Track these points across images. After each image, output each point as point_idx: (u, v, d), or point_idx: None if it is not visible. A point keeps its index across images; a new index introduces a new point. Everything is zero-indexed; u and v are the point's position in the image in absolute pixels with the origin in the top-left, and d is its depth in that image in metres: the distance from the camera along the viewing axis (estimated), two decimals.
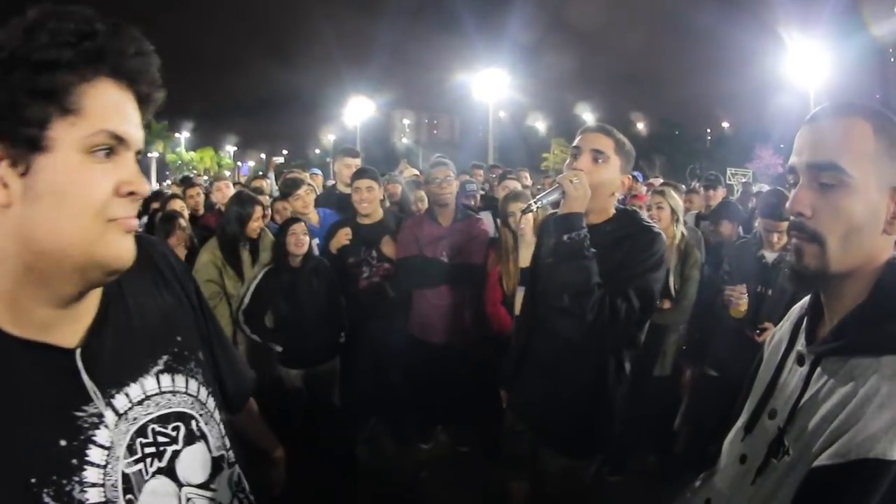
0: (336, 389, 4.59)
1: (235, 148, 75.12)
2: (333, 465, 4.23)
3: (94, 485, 0.98)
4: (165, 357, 1.17)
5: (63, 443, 0.96)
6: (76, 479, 0.97)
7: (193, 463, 1.16)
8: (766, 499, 1.28)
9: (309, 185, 5.64)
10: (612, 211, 2.67)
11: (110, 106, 0.93)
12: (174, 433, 1.13)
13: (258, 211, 4.67)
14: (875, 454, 1.06)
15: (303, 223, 4.39)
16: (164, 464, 1.11)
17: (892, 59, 56.51)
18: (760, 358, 1.58)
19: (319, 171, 10.13)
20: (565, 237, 2.43)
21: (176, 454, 1.13)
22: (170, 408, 1.14)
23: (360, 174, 4.82)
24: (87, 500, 0.97)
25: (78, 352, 1.02)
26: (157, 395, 1.12)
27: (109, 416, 1.03)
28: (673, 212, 4.51)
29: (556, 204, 2.57)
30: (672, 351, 4.47)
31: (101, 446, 1.01)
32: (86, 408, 1.00)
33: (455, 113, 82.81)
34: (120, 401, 1.06)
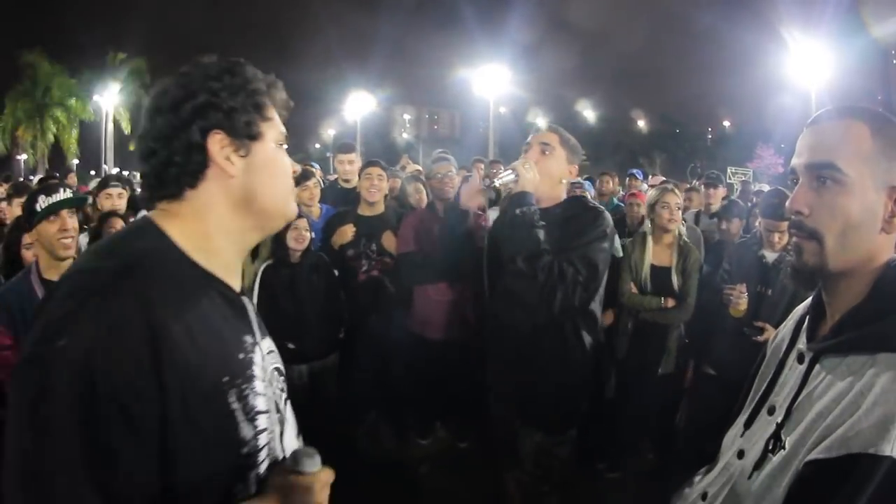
0: (334, 384, 4.59)
1: None
2: (332, 459, 4.22)
3: (260, 395, 1.27)
4: (266, 329, 1.48)
5: (241, 356, 1.27)
6: (251, 386, 1.25)
7: (291, 416, 1.47)
8: (763, 493, 1.30)
9: (317, 179, 5.64)
10: (563, 197, 3.13)
11: (278, 120, 1.39)
12: (284, 385, 1.45)
13: None
14: (866, 449, 1.08)
15: (305, 219, 4.39)
16: (283, 407, 1.42)
17: (894, 61, 56.43)
18: (763, 356, 1.61)
19: (317, 165, 10.15)
20: (517, 211, 2.84)
21: (286, 402, 1.45)
22: (279, 365, 1.45)
23: (371, 163, 4.87)
24: (257, 406, 1.26)
25: (244, 298, 1.39)
26: (273, 352, 1.44)
27: (259, 352, 1.34)
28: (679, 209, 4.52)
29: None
30: (675, 348, 4.47)
31: (260, 367, 1.31)
32: (247, 337, 1.32)
33: (456, 108, 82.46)
34: (264, 345, 1.38)
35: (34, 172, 33.15)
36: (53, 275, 2.91)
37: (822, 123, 1.33)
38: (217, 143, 1.27)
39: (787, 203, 1.35)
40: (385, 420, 5.16)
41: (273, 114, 1.37)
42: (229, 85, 1.29)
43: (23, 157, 39.91)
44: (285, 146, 1.41)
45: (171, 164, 1.26)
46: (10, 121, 36.48)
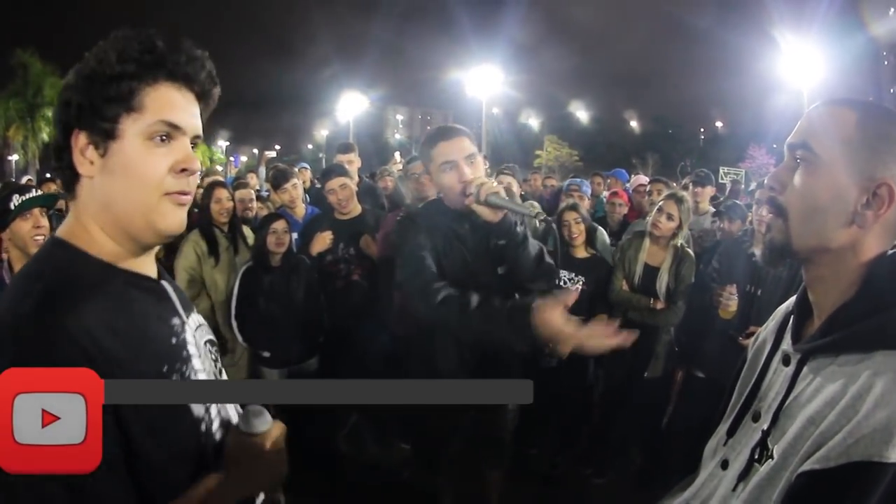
0: None
1: (227, 143, 74.78)
2: (313, 463, 4.15)
3: (200, 371, 1.31)
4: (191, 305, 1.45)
5: (174, 341, 1.27)
6: (189, 366, 1.27)
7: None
8: None
9: (296, 181, 5.58)
10: None
11: (167, 102, 1.20)
12: (216, 354, 1.47)
13: (219, 193, 4.68)
14: (870, 456, 0.99)
15: (284, 221, 4.33)
16: (220, 377, 1.46)
17: (886, 62, 56.69)
18: (744, 360, 1.53)
19: (308, 166, 10.10)
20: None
21: (221, 371, 1.48)
22: (209, 336, 1.46)
23: (327, 174, 4.79)
24: None
25: (163, 281, 1.35)
26: (201, 326, 1.43)
27: (189, 330, 1.34)
28: (680, 224, 4.34)
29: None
30: (664, 353, 4.39)
31: (193, 345, 1.33)
32: (175, 320, 1.31)
33: (449, 109, 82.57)
34: (191, 321, 1.38)
35: (25, 173, 33.01)
36: None
37: (815, 109, 1.29)
38: (78, 142, 1.19)
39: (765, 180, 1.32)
40: (366, 423, 5.07)
41: (150, 100, 1.18)
42: (90, 73, 1.18)
43: (14, 157, 39.72)
44: (184, 135, 1.23)
45: (54, 157, 1.25)
46: (1, 121, 36.30)
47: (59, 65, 37.23)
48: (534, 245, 2.81)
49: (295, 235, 4.74)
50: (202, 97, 1.28)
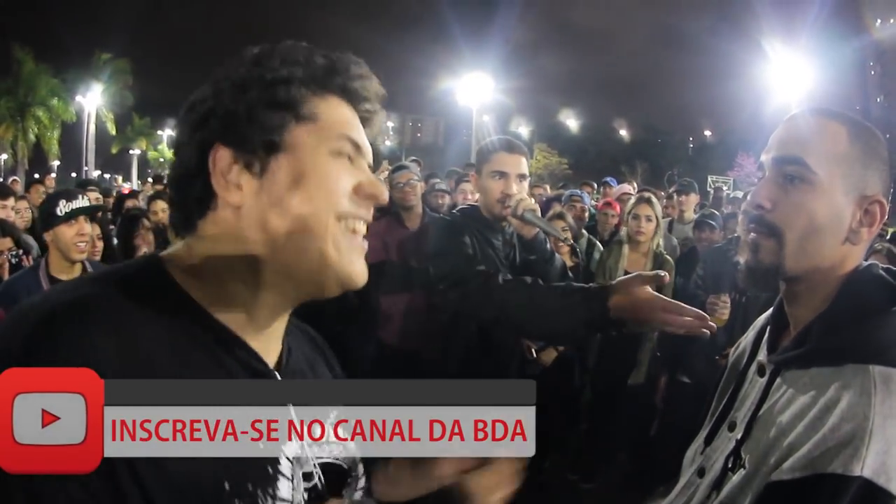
0: None
1: None
2: None
3: (283, 501, 0.93)
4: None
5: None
6: (269, 490, 0.90)
7: None
8: None
9: None
10: None
11: (342, 117, 0.97)
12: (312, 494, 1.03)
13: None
14: (835, 469, 1.00)
15: None
16: None
17: (872, 71, 57.15)
18: (725, 368, 1.53)
19: None
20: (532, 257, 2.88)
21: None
22: (311, 468, 1.02)
23: None
24: None
25: (276, 373, 1.00)
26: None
27: (293, 441, 0.97)
28: (658, 224, 4.45)
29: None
30: (647, 359, 4.42)
31: (289, 459, 0.96)
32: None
33: (440, 116, 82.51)
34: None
35: (14, 173, 32.71)
36: (62, 275, 3.18)
37: (798, 120, 1.24)
38: (218, 161, 0.91)
39: (748, 196, 1.26)
40: None
41: (324, 111, 0.95)
42: (242, 80, 0.94)
43: (2, 156, 39.41)
44: (363, 159, 0.99)
45: (176, 188, 0.98)
46: None
47: (50, 64, 36.98)
48: (559, 261, 2.95)
49: None
50: (367, 122, 1.03)
